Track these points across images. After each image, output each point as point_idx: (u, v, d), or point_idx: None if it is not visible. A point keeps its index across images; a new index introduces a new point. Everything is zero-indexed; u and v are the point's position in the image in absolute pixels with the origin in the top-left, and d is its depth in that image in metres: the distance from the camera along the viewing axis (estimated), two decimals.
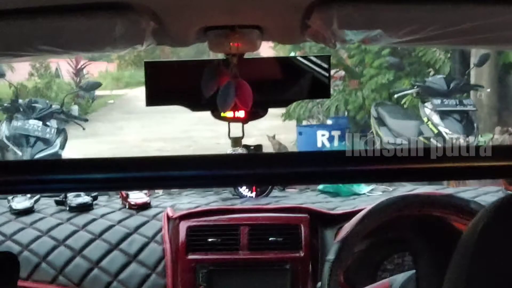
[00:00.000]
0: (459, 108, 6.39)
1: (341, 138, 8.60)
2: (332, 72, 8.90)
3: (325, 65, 1.71)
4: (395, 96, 7.63)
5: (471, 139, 6.24)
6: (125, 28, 1.17)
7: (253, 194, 2.42)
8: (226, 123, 1.71)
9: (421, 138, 6.52)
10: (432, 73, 9.13)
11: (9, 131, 6.32)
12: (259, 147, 2.28)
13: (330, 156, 1.02)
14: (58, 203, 2.34)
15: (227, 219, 2.20)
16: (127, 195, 2.32)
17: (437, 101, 6.45)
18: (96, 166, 0.95)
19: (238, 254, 2.14)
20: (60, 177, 0.96)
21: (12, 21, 1.15)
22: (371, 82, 9.44)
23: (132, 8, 1.16)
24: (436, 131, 6.39)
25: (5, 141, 6.29)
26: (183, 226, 2.17)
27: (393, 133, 6.84)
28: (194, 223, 2.18)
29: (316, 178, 1.09)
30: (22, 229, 2.21)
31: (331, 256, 1.73)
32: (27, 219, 2.26)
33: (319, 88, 1.74)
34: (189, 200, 2.37)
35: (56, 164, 1.07)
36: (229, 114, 1.64)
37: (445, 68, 8.86)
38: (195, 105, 1.68)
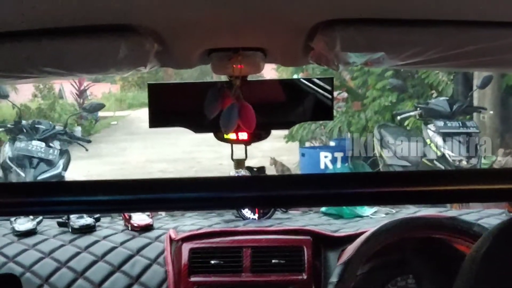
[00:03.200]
0: (462, 130, 6.40)
1: (344, 159, 8.58)
2: (335, 93, 8.93)
3: (328, 87, 1.71)
4: (398, 118, 7.63)
5: (474, 161, 6.24)
6: (129, 50, 1.18)
7: (256, 216, 2.41)
8: (229, 145, 1.71)
9: (424, 160, 6.52)
10: (435, 95, 9.13)
11: (12, 152, 6.33)
12: (262, 169, 2.28)
13: (333, 178, 1.02)
14: (60, 224, 2.34)
15: (229, 241, 2.19)
16: (130, 217, 2.32)
17: (440, 123, 6.46)
18: (99, 188, 0.95)
19: (241, 277, 2.13)
20: (63, 199, 0.96)
21: (17, 42, 1.16)
22: (374, 104, 9.44)
23: (136, 30, 1.17)
24: (439, 153, 6.39)
25: (8, 162, 6.29)
26: (186, 248, 2.16)
27: (396, 155, 6.84)
28: (197, 245, 2.17)
29: (319, 200, 1.08)
30: (24, 250, 2.21)
31: (334, 278, 1.72)
32: (30, 240, 2.25)
33: (322, 110, 1.74)
34: (191, 222, 2.36)
35: (59, 186, 1.07)
36: (232, 136, 1.64)
37: (448, 90, 8.87)
38: (198, 126, 1.69)
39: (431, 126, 6.57)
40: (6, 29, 1.14)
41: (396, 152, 6.88)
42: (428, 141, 6.54)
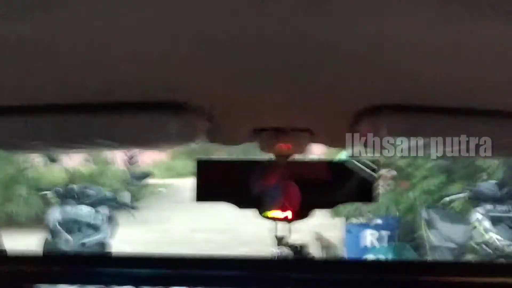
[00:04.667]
0: (511, 214, 6.26)
1: (390, 238, 8.43)
2: (384, 171, 8.85)
3: (373, 169, 1.72)
4: (447, 199, 7.51)
5: None
6: (179, 126, 1.21)
7: None
8: (269, 223, 1.72)
9: (471, 243, 6.37)
10: (484, 177, 8.99)
11: (61, 216, 6.41)
12: (304, 247, 2.26)
13: (377, 264, 1.02)
14: None
15: None
16: None
17: (489, 207, 6.34)
18: (144, 261, 0.97)
19: None
20: (108, 271, 0.98)
21: (72, 115, 1.20)
22: (422, 184, 9.32)
23: (187, 107, 1.20)
24: (487, 237, 6.24)
25: (58, 226, 6.36)
26: None
27: (443, 237, 6.70)
28: None
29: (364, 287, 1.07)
30: None
31: None
32: None
33: (365, 192, 1.74)
34: None
35: (104, 257, 1.09)
36: (276, 213, 1.65)
37: (498, 173, 8.72)
38: (243, 202, 1.70)
39: (479, 209, 6.45)
40: (61, 101, 1.18)
41: (443, 233, 6.75)
42: (476, 224, 6.41)
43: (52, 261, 0.99)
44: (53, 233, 6.38)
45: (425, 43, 0.84)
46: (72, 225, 6.32)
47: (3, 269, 1.02)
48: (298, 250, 2.16)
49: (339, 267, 0.99)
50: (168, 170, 21.71)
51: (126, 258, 1.00)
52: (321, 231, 8.96)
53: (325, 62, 0.94)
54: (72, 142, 1.29)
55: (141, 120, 1.21)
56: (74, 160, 13.63)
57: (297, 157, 1.62)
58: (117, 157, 17.71)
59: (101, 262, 1.00)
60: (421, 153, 1.26)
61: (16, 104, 1.18)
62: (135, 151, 16.06)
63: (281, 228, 1.78)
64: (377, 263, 1.14)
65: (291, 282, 0.99)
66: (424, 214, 7.25)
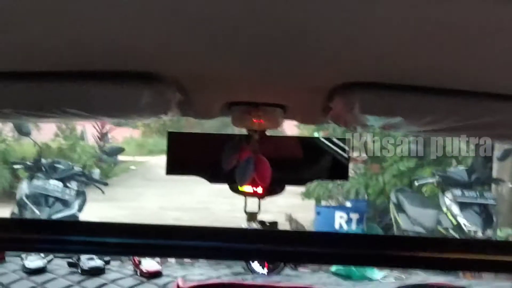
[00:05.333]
0: (479, 201, 6.35)
1: (359, 221, 8.52)
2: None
3: (345, 148, 1.73)
4: (416, 183, 7.59)
5: (489, 233, 6.17)
6: (151, 97, 1.20)
7: (265, 270, 2.40)
8: (243, 197, 1.72)
9: (439, 228, 6.45)
10: (454, 163, 9.09)
11: (30, 190, 6.37)
12: (274, 224, 2.27)
13: (345, 238, 1.02)
14: (70, 265, 2.35)
15: None
16: (140, 262, 2.32)
17: (458, 192, 6.43)
18: (112, 230, 0.96)
19: None
20: (75, 239, 0.97)
21: (43, 82, 1.18)
22: (392, 168, 9.41)
23: (159, 78, 1.19)
24: (455, 222, 6.33)
25: (25, 199, 6.32)
26: None
27: (411, 221, 6.79)
28: None
29: (329, 259, 1.08)
30: None
31: None
32: (39, 278, 2.26)
33: (337, 170, 1.75)
34: (200, 272, 2.36)
35: (72, 225, 1.08)
36: (247, 188, 1.65)
37: (468, 160, 8.83)
38: (214, 177, 1.70)
39: (448, 194, 6.53)
40: (32, 68, 1.17)
41: (411, 217, 6.83)
42: (444, 209, 6.50)
43: (20, 227, 0.98)
44: (20, 206, 6.35)
45: (401, 20, 0.84)
46: (40, 199, 6.29)
47: None
48: (268, 227, 2.17)
49: (310, 239, 1.00)
50: (140, 148, 21.64)
51: (95, 226, 0.99)
52: (292, 212, 9.01)
53: (299, 38, 0.93)
54: (42, 110, 1.27)
55: (112, 90, 1.20)
56: (44, 135, 13.52)
57: (269, 133, 1.62)
58: (88, 133, 17.62)
59: (69, 229, 0.99)
60: (392, 131, 1.26)
61: None
62: (107, 127, 16.00)
63: (252, 207, 1.78)
64: (348, 236, 1.15)
65: (262, 253, 1.00)
66: (393, 197, 7.32)
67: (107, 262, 2.36)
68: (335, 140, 1.73)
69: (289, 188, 1.71)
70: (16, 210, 6.38)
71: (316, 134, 8.06)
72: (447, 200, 6.52)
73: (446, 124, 1.23)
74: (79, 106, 1.24)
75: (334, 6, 0.79)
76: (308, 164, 1.75)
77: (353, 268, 2.39)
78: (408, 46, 0.96)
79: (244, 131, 1.61)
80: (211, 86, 1.29)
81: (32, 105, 1.24)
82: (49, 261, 2.35)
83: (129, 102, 1.22)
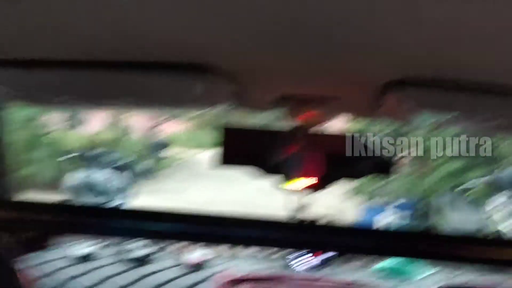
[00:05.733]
0: None
1: (403, 222, 8.45)
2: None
3: (394, 145, 1.71)
4: (464, 186, 7.48)
5: None
6: (204, 89, 1.21)
7: (313, 262, 2.39)
8: (288, 195, 1.71)
9: (483, 231, 6.35)
10: (503, 167, 8.93)
11: (80, 180, 6.47)
12: (319, 220, 2.26)
13: (392, 232, 1.02)
14: (117, 253, 2.38)
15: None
16: (186, 252, 2.34)
17: (503, 197, 6.31)
18: (162, 216, 0.97)
19: None
20: (125, 225, 0.98)
21: (101, 72, 1.20)
22: (440, 169, 9.29)
23: (213, 70, 1.20)
24: (500, 228, 6.22)
25: (75, 190, 6.42)
26: None
27: (455, 224, 6.69)
28: None
29: (373, 252, 1.08)
30: (79, 275, 2.24)
31: None
32: (85, 266, 2.29)
33: (384, 168, 1.73)
34: (245, 264, 2.37)
35: (122, 211, 1.09)
36: (296, 182, 1.64)
37: None
38: (267, 169, 1.69)
39: (495, 198, 6.41)
40: (91, 58, 1.19)
41: (455, 221, 6.74)
42: (488, 214, 6.39)
43: (69, 211, 1.00)
44: (70, 195, 6.45)
45: (455, 19, 0.83)
46: (90, 190, 6.38)
47: (24, 216, 1.03)
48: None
49: (355, 232, 0.99)
50: (188, 141, 21.77)
51: (143, 212, 1.01)
52: (339, 210, 8.96)
53: (355, 32, 0.93)
54: (98, 98, 1.30)
55: (167, 81, 1.22)
56: (94, 126, 13.73)
57: (322, 126, 1.61)
58: (137, 126, 17.82)
59: (116, 215, 1.00)
60: (445, 128, 1.25)
61: (45, 59, 1.19)
62: (157, 120, 16.16)
63: (300, 203, 1.78)
64: (389, 232, 1.15)
65: (307, 244, 1.00)
66: (438, 200, 7.23)
67: (153, 252, 2.38)
68: (384, 137, 1.72)
69: (337, 185, 1.70)
70: (65, 199, 6.49)
71: (366, 131, 8.01)
72: (496, 203, 6.41)
73: (500, 123, 1.21)
74: (133, 95, 1.26)
75: (390, 2, 0.79)
76: (357, 161, 1.73)
77: (397, 266, 2.37)
78: (463, 43, 0.95)
79: (297, 124, 1.60)
80: (263, 78, 1.30)
81: (89, 94, 1.27)
82: (96, 249, 2.38)
83: (183, 93, 1.23)
